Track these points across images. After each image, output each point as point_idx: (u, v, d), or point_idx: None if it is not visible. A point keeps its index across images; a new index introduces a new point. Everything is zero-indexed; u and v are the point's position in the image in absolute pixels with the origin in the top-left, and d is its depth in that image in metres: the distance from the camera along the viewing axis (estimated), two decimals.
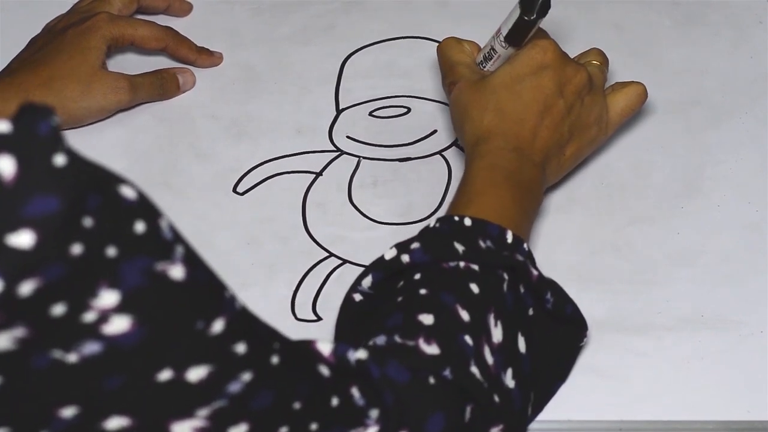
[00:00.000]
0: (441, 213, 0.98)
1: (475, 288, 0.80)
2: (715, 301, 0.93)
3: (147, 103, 1.06)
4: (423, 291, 0.80)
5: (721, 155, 1.02)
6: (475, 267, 0.81)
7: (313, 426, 0.70)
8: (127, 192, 0.62)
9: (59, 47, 1.03)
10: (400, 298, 0.81)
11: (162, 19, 1.11)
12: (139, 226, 0.61)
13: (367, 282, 0.83)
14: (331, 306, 0.93)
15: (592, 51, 0.99)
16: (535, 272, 0.83)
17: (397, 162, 1.03)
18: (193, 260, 0.64)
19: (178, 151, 1.04)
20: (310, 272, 0.96)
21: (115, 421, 0.62)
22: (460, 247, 0.81)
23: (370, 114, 1.06)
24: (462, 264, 0.81)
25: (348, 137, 1.04)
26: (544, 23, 0.94)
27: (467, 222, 0.84)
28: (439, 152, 1.03)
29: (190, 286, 0.63)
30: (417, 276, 0.81)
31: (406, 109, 1.06)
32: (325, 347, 0.74)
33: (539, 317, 0.83)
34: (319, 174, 1.02)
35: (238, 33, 1.12)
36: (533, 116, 0.92)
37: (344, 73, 1.09)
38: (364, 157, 1.03)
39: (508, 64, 0.94)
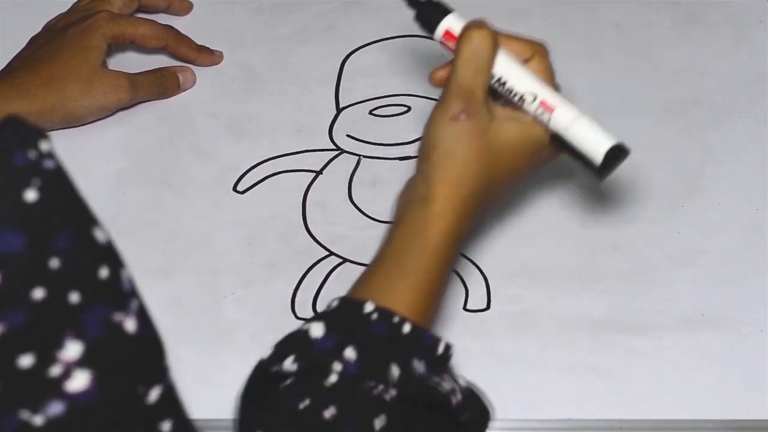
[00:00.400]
0: None
1: (378, 423, 0.73)
2: (715, 301, 0.93)
3: (147, 101, 1.06)
4: (329, 414, 0.73)
5: (721, 155, 1.02)
6: (394, 392, 0.74)
7: None
8: (99, 235, 0.59)
9: (60, 46, 1.03)
10: (306, 402, 0.73)
11: (162, 18, 1.11)
12: (103, 272, 0.58)
13: (288, 365, 0.75)
14: None
15: None
16: (455, 400, 0.76)
17: (397, 161, 1.03)
18: (144, 317, 0.61)
19: (179, 149, 1.04)
20: (311, 271, 0.96)
21: None
22: (395, 372, 0.74)
23: (370, 113, 1.06)
24: (380, 387, 0.74)
25: (348, 136, 1.04)
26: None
27: (406, 329, 0.76)
28: None
29: (140, 342, 0.60)
30: (333, 379, 0.74)
31: (405, 108, 1.06)
32: None
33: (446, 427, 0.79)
34: (319, 173, 1.02)
35: (238, 32, 1.12)
36: (502, 195, 0.84)
37: (344, 72, 1.09)
38: (364, 156, 1.03)
39: (521, 133, 0.81)
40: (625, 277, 0.94)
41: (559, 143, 0.81)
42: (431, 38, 1.11)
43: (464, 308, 0.93)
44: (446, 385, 0.77)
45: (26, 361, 0.55)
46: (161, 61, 1.09)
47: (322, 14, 1.14)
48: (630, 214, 0.98)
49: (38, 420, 0.56)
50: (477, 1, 1.13)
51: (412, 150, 1.03)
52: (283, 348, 0.75)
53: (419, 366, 0.76)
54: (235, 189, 1.01)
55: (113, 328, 0.58)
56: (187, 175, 1.02)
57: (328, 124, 1.05)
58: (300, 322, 0.93)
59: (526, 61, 0.83)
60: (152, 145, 1.04)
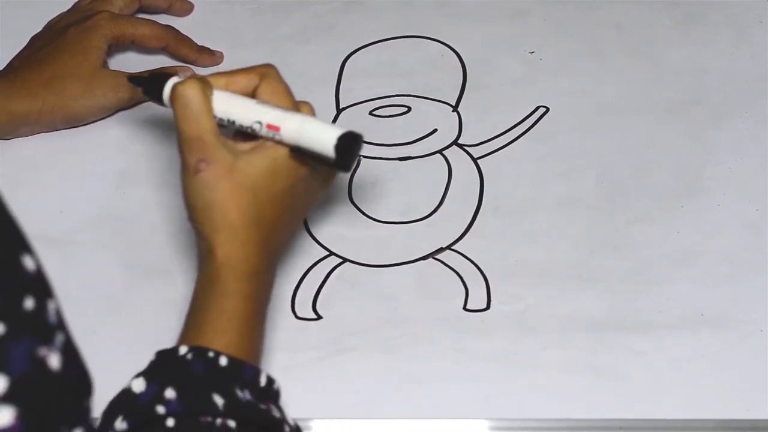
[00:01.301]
0: (439, 215, 0.98)
1: None
2: (715, 301, 0.93)
3: (147, 101, 1.06)
4: None
5: (721, 155, 1.02)
6: (232, 423, 0.75)
7: None
8: (28, 263, 0.57)
9: (60, 46, 1.03)
10: None
11: (163, 19, 1.11)
12: (29, 303, 0.57)
13: (118, 425, 0.74)
14: (331, 305, 0.93)
15: None
16: (287, 429, 0.78)
17: (397, 161, 1.03)
18: (69, 353, 0.60)
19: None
20: (311, 271, 0.96)
21: None
22: (219, 401, 0.75)
23: (371, 113, 1.06)
24: (219, 421, 0.75)
25: None
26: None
27: (223, 362, 0.77)
28: (439, 151, 1.03)
29: (64, 380, 0.59)
30: (170, 423, 0.74)
31: (406, 108, 1.06)
32: None
33: None
34: None
35: (238, 32, 1.12)
36: (284, 225, 0.84)
37: (344, 72, 1.09)
38: (365, 156, 1.03)
39: (264, 158, 0.82)
40: (625, 277, 0.94)
41: (302, 154, 0.82)
42: (431, 38, 1.12)
43: (464, 308, 0.93)
44: (275, 413, 0.77)
45: None
46: (161, 61, 1.09)
47: (322, 14, 1.14)
48: (630, 214, 0.98)
49: None
50: (477, 1, 1.14)
51: (412, 150, 1.03)
52: (111, 411, 0.75)
53: (244, 395, 0.77)
54: None
55: (37, 364, 0.57)
56: None
57: None
58: (300, 322, 0.94)
59: (256, 88, 0.83)
60: (152, 145, 1.04)
